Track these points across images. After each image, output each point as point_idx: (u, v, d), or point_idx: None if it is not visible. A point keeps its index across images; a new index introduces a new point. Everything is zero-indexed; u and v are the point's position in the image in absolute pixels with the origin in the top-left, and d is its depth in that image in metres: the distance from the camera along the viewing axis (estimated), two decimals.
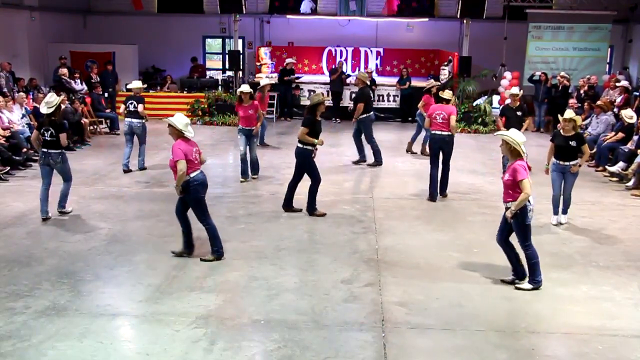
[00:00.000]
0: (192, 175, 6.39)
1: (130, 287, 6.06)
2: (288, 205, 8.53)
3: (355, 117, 11.44)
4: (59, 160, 8.03)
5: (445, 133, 9.13)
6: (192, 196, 6.47)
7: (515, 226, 5.96)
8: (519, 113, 10.13)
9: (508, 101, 10.66)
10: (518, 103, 10.23)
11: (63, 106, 9.28)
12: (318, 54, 20.33)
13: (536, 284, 6.07)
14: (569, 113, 7.94)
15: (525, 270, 6.13)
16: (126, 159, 10.76)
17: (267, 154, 12.45)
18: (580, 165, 7.90)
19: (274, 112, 16.51)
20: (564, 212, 8.21)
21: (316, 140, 8.14)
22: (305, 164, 8.26)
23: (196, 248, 6.86)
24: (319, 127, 8.30)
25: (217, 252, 6.69)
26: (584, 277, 6.51)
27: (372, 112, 11.52)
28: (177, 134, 6.43)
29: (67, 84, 14.49)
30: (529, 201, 5.85)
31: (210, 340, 4.99)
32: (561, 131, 7.96)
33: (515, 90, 10.53)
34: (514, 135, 5.96)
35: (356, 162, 11.70)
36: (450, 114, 9.13)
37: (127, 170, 10.68)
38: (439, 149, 9.22)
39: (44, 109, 7.97)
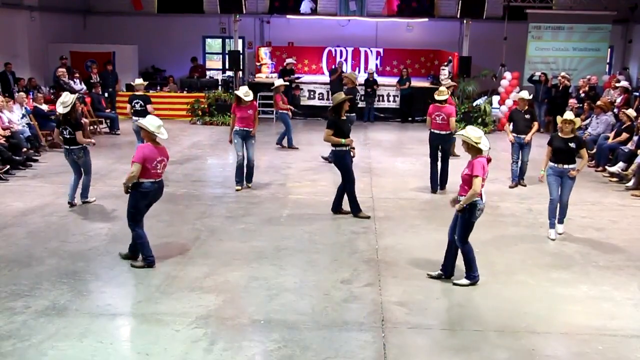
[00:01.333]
0: (142, 180, 6.29)
1: (130, 287, 6.08)
2: (342, 208, 8.49)
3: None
4: (81, 155, 8.57)
5: (444, 132, 9.53)
6: (133, 199, 6.41)
7: (460, 220, 6.03)
8: (527, 116, 10.08)
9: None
10: (526, 107, 10.22)
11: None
12: (318, 54, 20.35)
13: (473, 279, 6.15)
14: (569, 114, 7.77)
15: (454, 271, 6.25)
16: None
17: (268, 154, 12.46)
18: (579, 170, 7.65)
19: (274, 113, 16.47)
20: (560, 221, 7.76)
21: (343, 140, 8.09)
22: (342, 165, 8.25)
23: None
24: (347, 126, 8.28)
25: (148, 259, 6.48)
26: (583, 277, 6.51)
27: (354, 115, 11.52)
28: (149, 136, 6.41)
29: (64, 84, 14.49)
30: (480, 199, 5.91)
31: (210, 340, 4.99)
32: (559, 133, 7.71)
33: (525, 94, 10.36)
34: (471, 133, 6.02)
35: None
36: (449, 115, 9.45)
37: None
38: (438, 146, 9.67)
39: (60, 109, 8.37)
